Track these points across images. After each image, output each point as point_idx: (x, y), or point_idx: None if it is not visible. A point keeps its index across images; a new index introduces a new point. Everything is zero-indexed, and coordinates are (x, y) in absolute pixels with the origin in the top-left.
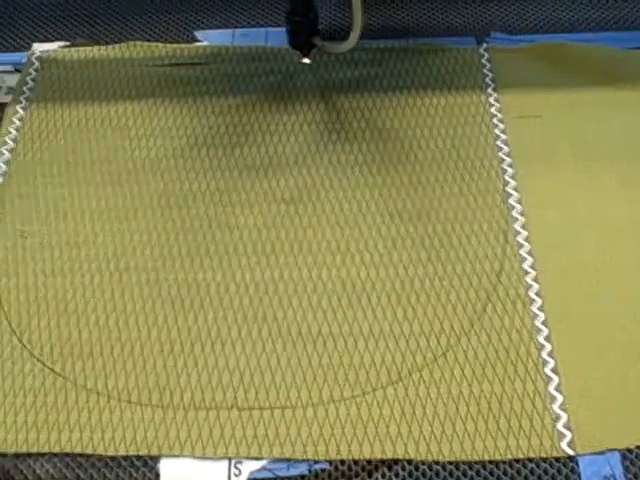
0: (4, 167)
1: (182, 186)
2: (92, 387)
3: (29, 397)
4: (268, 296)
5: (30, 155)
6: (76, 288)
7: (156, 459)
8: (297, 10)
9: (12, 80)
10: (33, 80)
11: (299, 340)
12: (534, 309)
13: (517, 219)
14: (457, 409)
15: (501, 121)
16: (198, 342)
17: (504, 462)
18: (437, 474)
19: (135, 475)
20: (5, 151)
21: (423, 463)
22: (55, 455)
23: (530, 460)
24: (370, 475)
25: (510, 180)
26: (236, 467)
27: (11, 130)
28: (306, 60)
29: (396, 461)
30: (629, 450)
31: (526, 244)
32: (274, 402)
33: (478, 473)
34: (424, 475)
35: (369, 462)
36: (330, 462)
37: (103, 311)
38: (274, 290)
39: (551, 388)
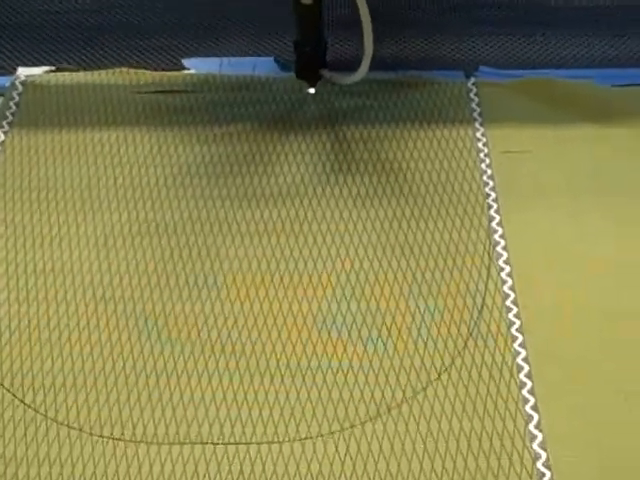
0: None
1: (164, 215)
2: (63, 420)
3: None
4: (247, 329)
5: (11, 181)
6: (49, 317)
7: None
8: (307, 41)
9: None
10: (16, 105)
11: (277, 374)
12: (515, 346)
13: (501, 255)
14: (436, 446)
15: (487, 156)
16: (174, 375)
17: None
18: None
19: None
20: None
21: None
22: None
23: None
24: None
25: (495, 215)
26: None
27: None
28: (312, 90)
29: None
30: None
31: (509, 280)
32: (250, 437)
33: None
34: None
35: None
36: None
37: (76, 342)
38: (253, 323)
39: (531, 426)
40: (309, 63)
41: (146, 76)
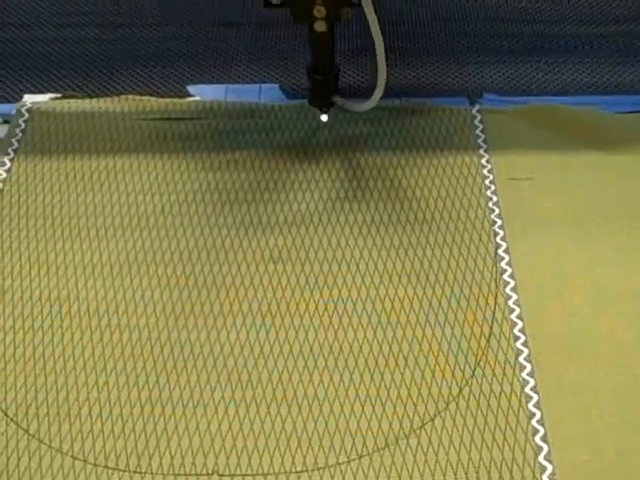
0: None
1: (170, 243)
2: (67, 450)
3: (1, 459)
4: (253, 358)
5: (16, 208)
6: (55, 346)
7: None
8: (320, 68)
9: (1, 131)
10: (22, 132)
11: (283, 404)
12: (524, 375)
13: (508, 282)
14: (444, 478)
15: (492, 183)
16: (180, 405)
17: None
18: None
19: None
20: None
21: None
22: None
23: None
24: None
25: (501, 243)
26: None
27: None
28: (324, 117)
29: None
30: None
31: (516, 308)
32: (256, 469)
33: None
34: None
35: None
36: None
37: (82, 370)
38: (259, 352)
39: (541, 457)
40: (322, 90)
41: (151, 103)
